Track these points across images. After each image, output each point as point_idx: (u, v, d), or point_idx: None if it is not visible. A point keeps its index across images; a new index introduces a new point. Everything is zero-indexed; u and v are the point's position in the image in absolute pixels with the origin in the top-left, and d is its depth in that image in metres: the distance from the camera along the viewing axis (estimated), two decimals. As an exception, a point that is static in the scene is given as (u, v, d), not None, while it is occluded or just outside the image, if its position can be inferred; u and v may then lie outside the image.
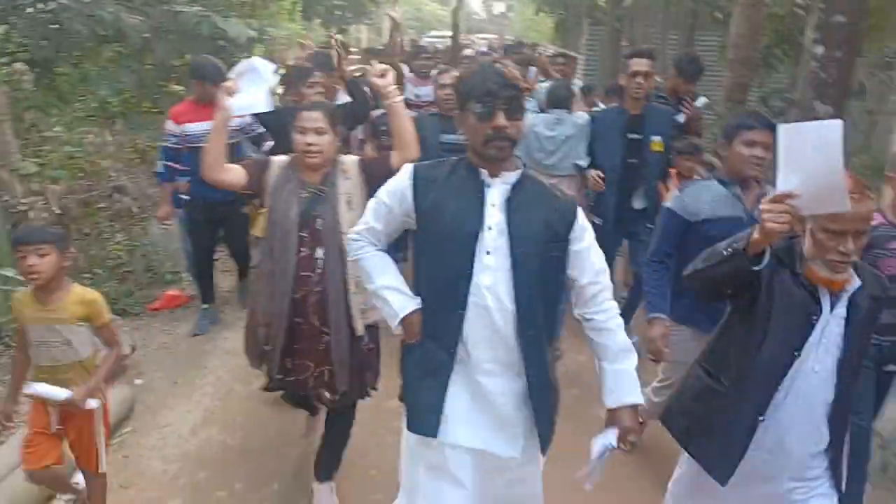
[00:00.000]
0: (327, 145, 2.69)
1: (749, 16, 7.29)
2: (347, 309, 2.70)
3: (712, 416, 2.16)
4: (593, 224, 2.51)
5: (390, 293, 2.06)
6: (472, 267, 1.95)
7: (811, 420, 2.05)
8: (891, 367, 2.79)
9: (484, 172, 1.98)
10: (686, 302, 2.90)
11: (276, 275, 2.67)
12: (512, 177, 1.99)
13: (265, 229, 2.77)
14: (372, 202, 2.15)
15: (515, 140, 1.96)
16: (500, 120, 1.91)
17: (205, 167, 2.76)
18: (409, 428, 2.08)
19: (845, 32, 4.67)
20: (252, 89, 2.93)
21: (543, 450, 2.09)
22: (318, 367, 2.73)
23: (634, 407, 2.00)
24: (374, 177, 2.62)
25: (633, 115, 4.14)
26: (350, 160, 2.82)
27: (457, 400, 2.01)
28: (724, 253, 1.93)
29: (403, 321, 2.03)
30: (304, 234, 2.65)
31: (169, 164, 4.39)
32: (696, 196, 2.80)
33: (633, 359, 2.04)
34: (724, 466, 2.09)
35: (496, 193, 1.98)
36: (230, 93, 2.76)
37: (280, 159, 2.80)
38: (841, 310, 2.00)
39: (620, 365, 2.01)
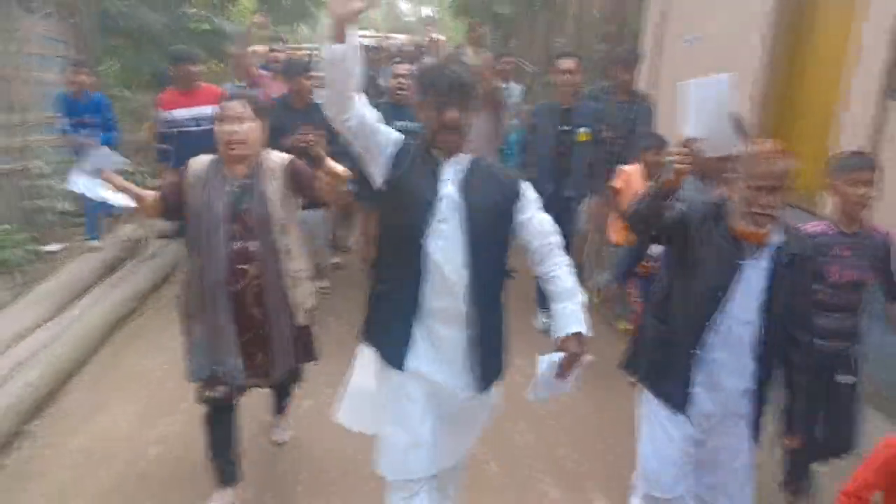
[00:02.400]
0: (249, 133, 2.66)
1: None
2: (285, 299, 2.75)
3: (663, 356, 2.44)
4: None
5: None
6: (425, 232, 2.14)
7: (738, 359, 2.32)
8: (841, 378, 2.85)
9: (438, 153, 2.20)
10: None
11: (205, 269, 2.64)
12: (465, 158, 2.21)
13: (188, 226, 2.71)
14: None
15: (465, 132, 2.17)
16: (452, 114, 2.11)
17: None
18: (379, 354, 2.31)
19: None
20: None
21: (481, 388, 2.27)
22: (264, 356, 2.77)
23: (578, 335, 2.12)
24: (298, 187, 2.77)
25: (564, 108, 4.56)
26: (278, 160, 2.79)
27: (418, 341, 2.22)
28: (646, 191, 2.26)
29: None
30: (234, 228, 2.64)
31: (165, 145, 4.79)
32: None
33: (579, 299, 2.19)
34: (677, 396, 2.38)
35: (450, 171, 2.19)
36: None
37: (200, 159, 2.77)
38: (763, 261, 2.25)
39: (568, 304, 2.17)
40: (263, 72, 6.10)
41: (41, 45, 6.59)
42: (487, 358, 2.28)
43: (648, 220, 2.33)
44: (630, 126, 4.66)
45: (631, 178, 4.16)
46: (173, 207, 2.74)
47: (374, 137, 2.19)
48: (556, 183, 4.48)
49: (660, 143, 4.10)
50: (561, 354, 2.11)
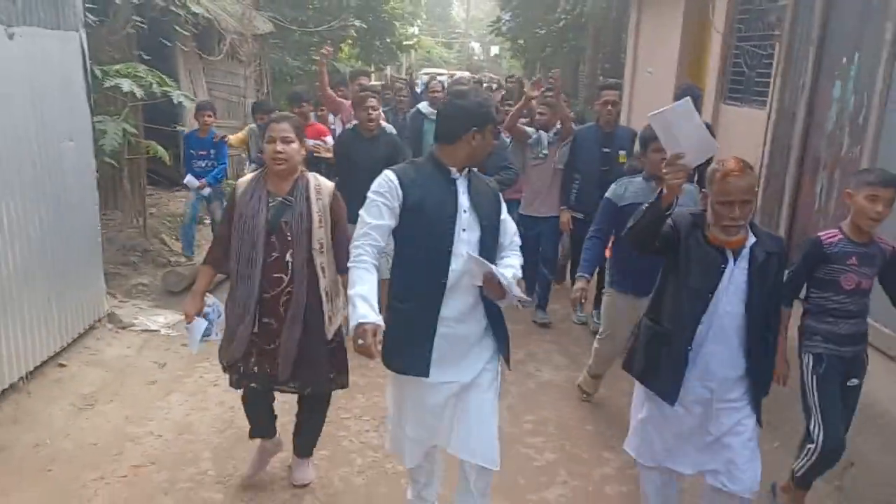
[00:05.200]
0: (293, 153, 2.93)
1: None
2: (308, 308, 2.95)
3: (658, 354, 2.66)
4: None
5: (361, 301, 2.34)
6: (452, 243, 2.50)
7: (728, 350, 2.57)
8: (853, 381, 2.99)
9: (454, 170, 2.53)
10: (621, 273, 3.83)
11: (243, 277, 2.91)
12: (465, 171, 2.58)
13: (235, 237, 2.96)
14: (367, 206, 2.51)
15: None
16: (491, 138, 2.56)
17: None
18: (403, 371, 2.58)
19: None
20: None
21: (503, 351, 2.67)
22: (275, 360, 2.98)
23: (503, 277, 2.44)
24: (335, 216, 3.05)
25: (606, 132, 5.21)
26: (328, 186, 3.06)
27: (437, 347, 2.52)
28: (645, 209, 2.46)
29: (359, 327, 2.28)
30: (272, 240, 2.90)
31: None
32: (624, 188, 3.75)
33: (512, 272, 2.55)
34: (670, 390, 2.60)
35: (462, 184, 2.57)
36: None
37: (246, 177, 3.10)
38: (743, 262, 2.52)
39: (509, 269, 2.57)
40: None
41: (227, 89, 10.37)
42: (500, 341, 2.67)
43: (649, 235, 2.51)
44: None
45: None
46: (222, 258, 3.06)
47: (394, 217, 2.50)
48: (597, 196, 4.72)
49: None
50: (493, 268, 2.44)
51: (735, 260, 2.52)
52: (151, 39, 7.13)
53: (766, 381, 2.70)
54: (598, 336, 4.18)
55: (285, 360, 2.96)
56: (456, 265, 2.50)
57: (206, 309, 3.14)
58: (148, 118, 7.05)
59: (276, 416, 3.33)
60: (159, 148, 6.63)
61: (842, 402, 2.96)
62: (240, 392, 3.20)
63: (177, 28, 7.61)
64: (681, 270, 2.56)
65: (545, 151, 5.40)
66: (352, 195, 3.14)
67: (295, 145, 2.95)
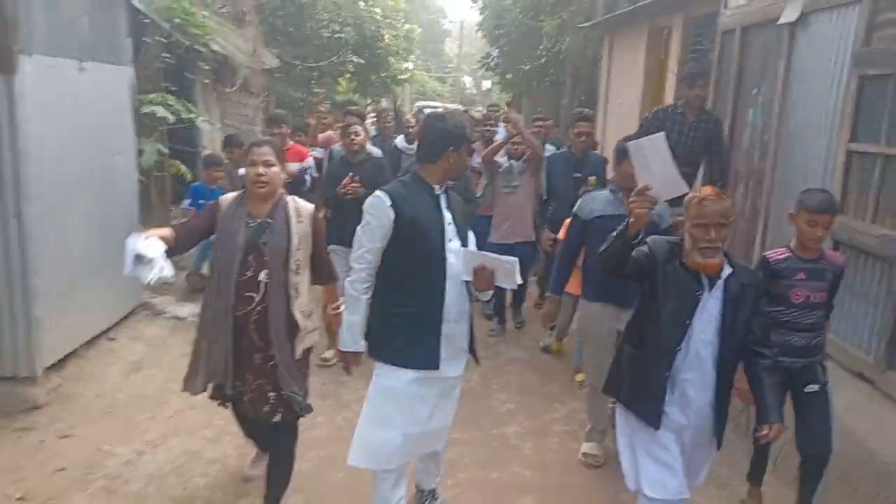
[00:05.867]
0: (274, 176, 2.98)
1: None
2: (288, 327, 2.98)
3: (639, 378, 2.72)
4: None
5: (356, 327, 2.80)
6: (444, 251, 2.76)
7: (703, 376, 2.63)
8: (811, 388, 3.11)
9: (436, 186, 2.82)
10: (592, 284, 3.81)
11: (219, 294, 2.95)
12: (443, 187, 2.87)
13: (214, 255, 3.03)
14: (363, 228, 2.77)
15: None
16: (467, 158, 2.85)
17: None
18: (411, 367, 2.79)
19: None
20: None
21: (475, 357, 3.04)
22: (256, 380, 3.00)
23: (499, 258, 2.73)
24: (315, 237, 3.10)
25: (578, 158, 5.60)
26: (306, 208, 3.10)
27: (443, 343, 2.79)
28: (614, 236, 2.55)
29: (346, 353, 2.81)
30: (249, 259, 2.93)
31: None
32: (590, 202, 3.78)
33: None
34: (653, 414, 2.65)
35: (443, 199, 2.85)
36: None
37: (229, 196, 3.12)
38: (717, 291, 2.58)
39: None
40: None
41: (238, 118, 11.42)
42: (472, 337, 3.01)
43: (619, 261, 2.59)
44: (701, 145, 5.01)
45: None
46: (183, 241, 3.00)
47: (386, 237, 2.76)
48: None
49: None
50: (488, 254, 2.79)
51: (710, 289, 2.59)
52: (177, 73, 8.14)
53: (726, 410, 2.75)
54: (585, 356, 4.27)
55: (286, 381, 3.00)
56: (451, 271, 2.79)
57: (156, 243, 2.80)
58: (170, 140, 8.03)
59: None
60: (182, 166, 7.59)
61: (804, 406, 3.13)
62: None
63: (199, 63, 8.63)
64: (659, 297, 2.62)
65: (517, 182, 5.65)
66: (342, 218, 3.36)
67: (276, 168, 3.02)
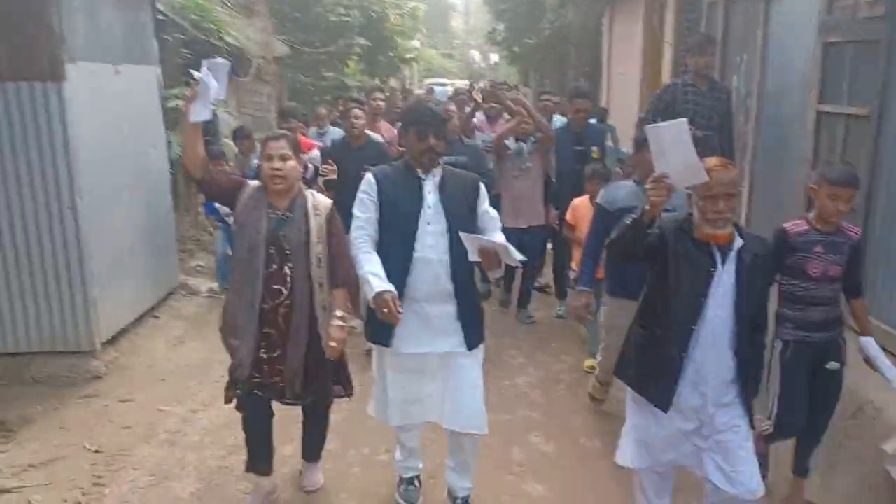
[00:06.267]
0: (290, 170, 2.97)
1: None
2: (310, 322, 3.01)
3: (650, 360, 2.67)
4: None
5: (373, 277, 2.77)
6: (415, 234, 2.85)
7: (720, 354, 2.58)
8: (833, 365, 3.07)
9: (419, 171, 2.89)
10: (617, 278, 3.74)
11: (244, 285, 2.96)
12: (438, 171, 2.91)
13: (236, 246, 3.06)
14: (357, 203, 2.93)
15: (441, 153, 2.87)
16: (431, 141, 2.79)
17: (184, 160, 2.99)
18: (373, 341, 3.03)
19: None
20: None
21: (470, 347, 2.96)
22: (281, 371, 3.04)
23: (494, 242, 2.78)
24: (332, 230, 3.08)
25: (577, 132, 5.61)
26: (325, 203, 3.10)
27: (406, 322, 2.82)
28: (628, 224, 2.49)
29: (378, 297, 2.70)
30: (271, 252, 2.94)
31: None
32: (614, 192, 3.75)
33: (500, 238, 2.87)
34: (664, 397, 2.61)
35: (430, 183, 2.91)
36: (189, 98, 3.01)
37: (254, 183, 3.08)
38: (730, 265, 2.53)
39: (495, 235, 2.91)
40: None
41: (253, 105, 11.86)
42: (471, 322, 2.98)
43: (630, 248, 2.58)
44: (717, 112, 4.98)
45: (577, 210, 4.99)
46: (228, 192, 3.05)
47: (376, 211, 2.91)
48: (575, 188, 5.25)
49: (604, 174, 4.89)
50: (484, 238, 2.82)
51: (723, 263, 2.54)
52: (195, 67, 8.57)
53: (756, 383, 2.73)
54: (600, 347, 4.25)
55: (291, 375, 3.03)
56: (421, 253, 2.87)
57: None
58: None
59: (274, 449, 3.31)
60: (205, 156, 8.06)
61: (820, 385, 3.09)
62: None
63: (215, 57, 9.06)
64: (671, 277, 2.57)
65: (528, 164, 5.53)
66: (344, 203, 3.29)
67: (292, 162, 3.00)
